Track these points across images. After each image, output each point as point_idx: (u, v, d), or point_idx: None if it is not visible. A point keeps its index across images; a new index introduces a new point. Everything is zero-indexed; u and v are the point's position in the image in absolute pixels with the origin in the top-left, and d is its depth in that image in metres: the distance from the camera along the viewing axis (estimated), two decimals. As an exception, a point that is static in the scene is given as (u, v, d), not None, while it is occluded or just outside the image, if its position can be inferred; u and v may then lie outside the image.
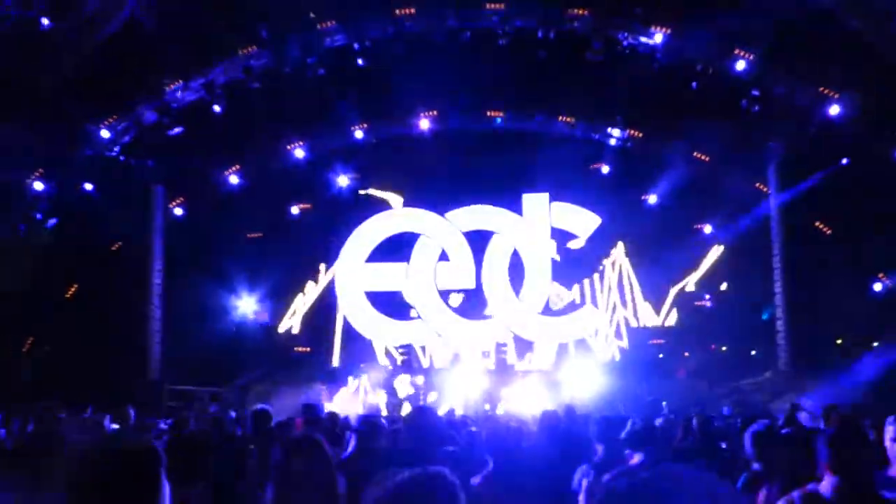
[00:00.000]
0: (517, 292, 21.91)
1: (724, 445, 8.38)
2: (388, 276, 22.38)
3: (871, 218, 17.76)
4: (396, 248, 22.35)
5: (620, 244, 21.84)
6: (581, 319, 21.77)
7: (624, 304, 21.61)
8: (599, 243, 21.87)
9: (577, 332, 21.71)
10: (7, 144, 16.92)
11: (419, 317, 22.14)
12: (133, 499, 2.34)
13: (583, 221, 21.97)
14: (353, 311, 22.27)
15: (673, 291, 21.26)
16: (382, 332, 22.17)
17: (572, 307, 21.78)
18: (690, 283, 21.31)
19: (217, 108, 18.74)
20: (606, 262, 21.93)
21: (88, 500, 2.31)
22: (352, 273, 22.44)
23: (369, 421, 7.38)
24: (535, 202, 22.24)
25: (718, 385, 18.57)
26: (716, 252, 21.12)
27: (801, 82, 17.47)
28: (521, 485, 5.10)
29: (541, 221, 22.16)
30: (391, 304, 22.23)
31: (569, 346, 21.61)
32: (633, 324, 21.55)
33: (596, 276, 21.97)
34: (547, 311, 21.89)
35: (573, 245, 21.98)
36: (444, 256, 22.33)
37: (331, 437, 6.02)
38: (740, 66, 17.46)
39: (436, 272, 22.26)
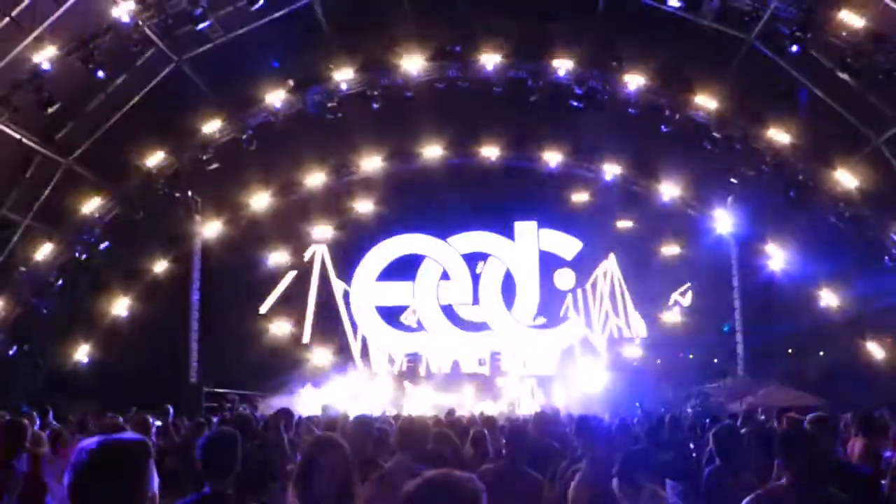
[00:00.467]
0: (509, 307, 22.75)
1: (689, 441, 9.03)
2: (397, 293, 23.31)
3: (817, 242, 18.43)
4: (404, 268, 23.21)
5: (612, 255, 22.40)
6: (566, 331, 22.33)
7: (616, 313, 22.13)
8: (586, 263, 22.41)
9: (562, 342, 22.29)
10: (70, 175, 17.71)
11: (418, 328, 22.87)
12: (120, 486, 2.26)
13: (567, 245, 22.73)
14: (366, 323, 22.97)
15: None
16: (391, 343, 22.88)
17: (559, 320, 22.31)
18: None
19: (249, 146, 19.46)
20: (598, 271, 22.50)
21: (82, 488, 2.25)
22: (364, 290, 23.16)
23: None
24: (525, 229, 23.25)
25: (685, 388, 19.06)
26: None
27: (754, 126, 18.14)
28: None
29: (530, 246, 23.15)
30: (396, 318, 23.08)
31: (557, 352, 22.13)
32: (626, 333, 22.06)
33: (589, 286, 22.52)
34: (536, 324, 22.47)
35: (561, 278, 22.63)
36: (445, 276, 23.23)
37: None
38: (703, 112, 18.18)
39: (438, 289, 23.14)
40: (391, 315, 23.18)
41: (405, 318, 23.17)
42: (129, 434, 2.38)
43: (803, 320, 19.17)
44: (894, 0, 13.36)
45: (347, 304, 23.18)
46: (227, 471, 3.81)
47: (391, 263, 23.39)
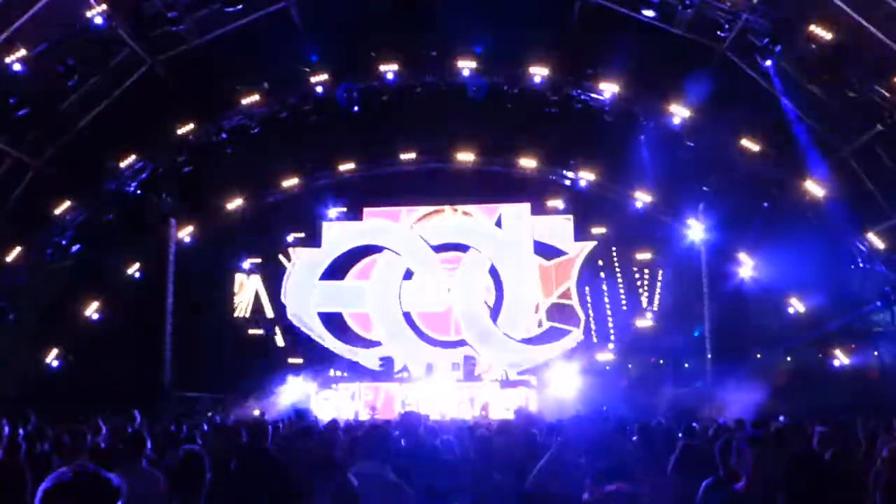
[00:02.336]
0: (495, 318, 21.84)
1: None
2: (346, 297, 21.86)
3: (786, 249, 18.67)
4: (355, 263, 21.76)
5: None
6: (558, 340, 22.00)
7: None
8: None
9: (546, 356, 21.82)
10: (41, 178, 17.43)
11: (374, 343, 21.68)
12: None
13: (560, 228, 22.16)
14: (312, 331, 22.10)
15: None
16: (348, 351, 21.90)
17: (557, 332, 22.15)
18: None
19: (224, 149, 19.35)
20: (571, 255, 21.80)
21: None
22: (303, 293, 22.14)
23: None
24: (514, 212, 21.77)
25: (657, 392, 19.23)
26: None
27: (726, 135, 18.35)
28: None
29: (521, 233, 21.71)
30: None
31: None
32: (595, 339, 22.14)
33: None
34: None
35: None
36: (408, 275, 21.84)
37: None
38: (676, 121, 18.37)
39: (400, 292, 21.87)
40: (336, 323, 21.89)
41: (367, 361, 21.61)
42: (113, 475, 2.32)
43: (772, 326, 19.45)
44: (861, 15, 13.57)
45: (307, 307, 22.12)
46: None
47: (339, 258, 21.82)
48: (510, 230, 21.79)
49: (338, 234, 21.97)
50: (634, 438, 8.80)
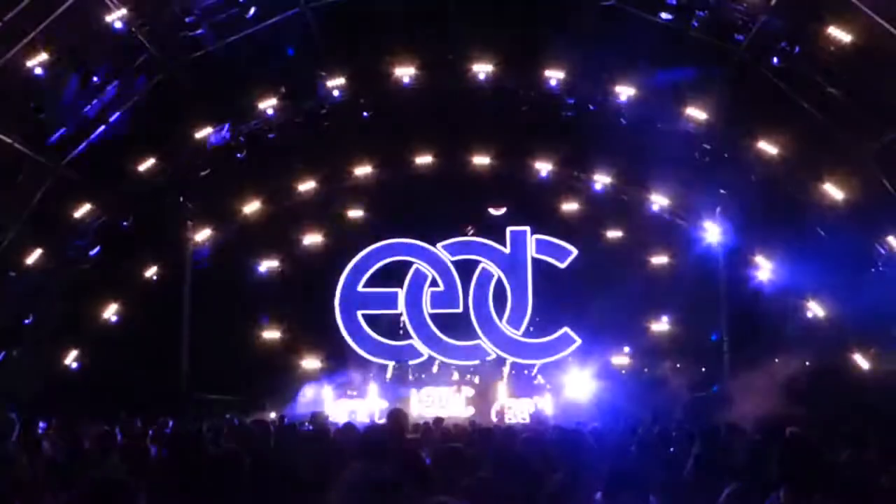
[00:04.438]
0: (500, 316, 22.41)
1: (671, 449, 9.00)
2: (383, 301, 22.81)
3: (804, 253, 18.49)
4: (392, 274, 22.86)
5: None
6: (559, 340, 22.09)
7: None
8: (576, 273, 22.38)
9: (555, 353, 22.02)
10: (61, 181, 17.57)
11: (404, 336, 22.51)
12: None
13: (560, 252, 22.53)
14: (353, 331, 22.60)
15: None
16: (378, 351, 22.46)
17: (551, 330, 22.16)
18: None
19: (240, 153, 19.44)
20: None
21: None
22: (350, 297, 22.81)
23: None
24: (517, 236, 22.78)
25: (673, 397, 19.07)
26: None
27: (743, 137, 18.21)
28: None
29: (523, 253, 22.63)
30: (387, 326, 22.75)
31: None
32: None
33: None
34: (526, 333, 22.32)
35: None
36: (434, 283, 22.80)
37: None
38: (692, 123, 18.24)
39: (427, 297, 22.67)
40: (376, 322, 22.69)
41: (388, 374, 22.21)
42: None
43: (790, 330, 19.24)
44: (882, 17, 13.40)
45: (340, 311, 22.82)
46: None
47: (378, 270, 22.91)
48: (513, 250, 22.81)
49: (373, 253, 23.16)
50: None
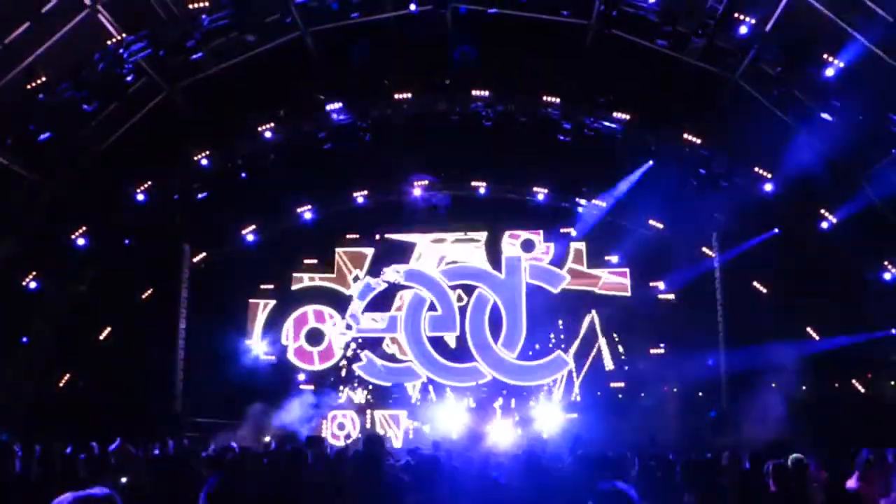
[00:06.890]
0: (496, 339, 22.39)
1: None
2: (382, 324, 22.82)
3: (800, 279, 18.51)
4: (390, 299, 22.90)
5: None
6: (552, 364, 22.13)
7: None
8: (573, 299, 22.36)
9: (548, 376, 22.02)
10: (57, 202, 17.57)
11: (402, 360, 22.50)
12: None
13: (553, 277, 22.58)
14: (352, 354, 22.63)
15: None
16: (375, 373, 22.48)
17: (545, 352, 22.14)
18: None
19: (239, 175, 19.46)
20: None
21: None
22: (351, 322, 22.87)
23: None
24: (512, 262, 22.82)
25: (670, 422, 18.96)
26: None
27: (740, 164, 18.30)
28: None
29: (517, 279, 22.67)
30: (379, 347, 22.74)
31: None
32: (609, 366, 21.91)
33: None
34: (523, 355, 22.25)
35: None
36: (432, 307, 22.83)
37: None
38: (688, 148, 18.33)
39: (424, 321, 22.69)
40: (374, 345, 22.72)
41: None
42: (98, 489, 2.30)
43: (787, 355, 19.14)
44: (881, 49, 13.54)
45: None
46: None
47: (377, 294, 22.98)
48: (508, 276, 22.77)
49: (375, 279, 23.14)
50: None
